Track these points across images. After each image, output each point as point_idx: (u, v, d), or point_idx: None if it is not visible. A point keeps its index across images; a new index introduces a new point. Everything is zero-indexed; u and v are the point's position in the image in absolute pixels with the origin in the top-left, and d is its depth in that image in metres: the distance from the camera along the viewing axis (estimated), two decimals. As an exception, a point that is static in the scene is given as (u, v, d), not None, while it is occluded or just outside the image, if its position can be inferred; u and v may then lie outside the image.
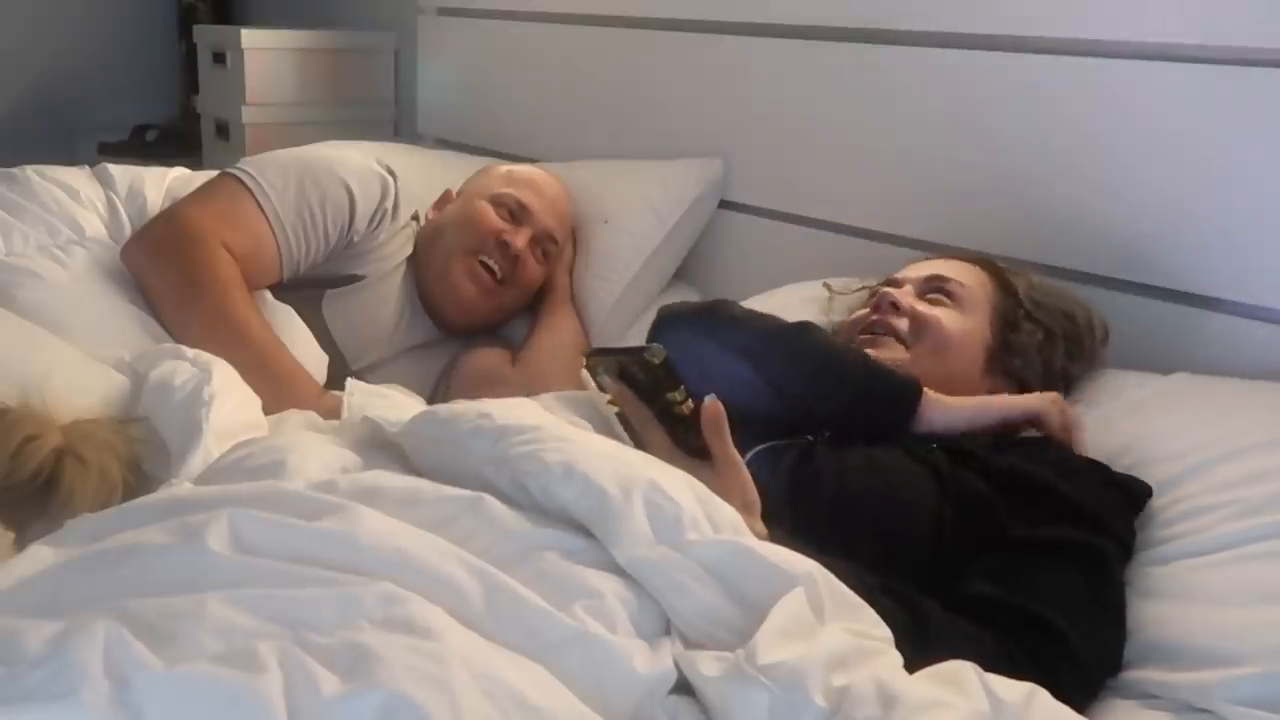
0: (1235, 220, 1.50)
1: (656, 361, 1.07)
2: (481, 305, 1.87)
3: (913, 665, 0.92)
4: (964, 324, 1.44)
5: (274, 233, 1.71)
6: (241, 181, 1.73)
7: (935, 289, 1.47)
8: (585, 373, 1.17)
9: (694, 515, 0.94)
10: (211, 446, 1.31)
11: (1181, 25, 1.52)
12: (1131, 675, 1.13)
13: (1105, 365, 1.54)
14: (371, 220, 1.81)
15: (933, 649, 0.96)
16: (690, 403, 1.08)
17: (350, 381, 1.54)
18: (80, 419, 1.27)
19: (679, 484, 0.97)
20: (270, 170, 1.76)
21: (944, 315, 1.44)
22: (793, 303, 1.69)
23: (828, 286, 1.69)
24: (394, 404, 1.46)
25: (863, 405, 1.29)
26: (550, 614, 0.84)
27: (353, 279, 1.83)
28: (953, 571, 1.15)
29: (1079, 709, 0.95)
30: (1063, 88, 1.64)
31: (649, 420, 1.11)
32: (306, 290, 1.79)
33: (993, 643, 1.05)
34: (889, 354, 1.39)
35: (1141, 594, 1.18)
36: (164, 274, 1.66)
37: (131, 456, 1.27)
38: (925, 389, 1.30)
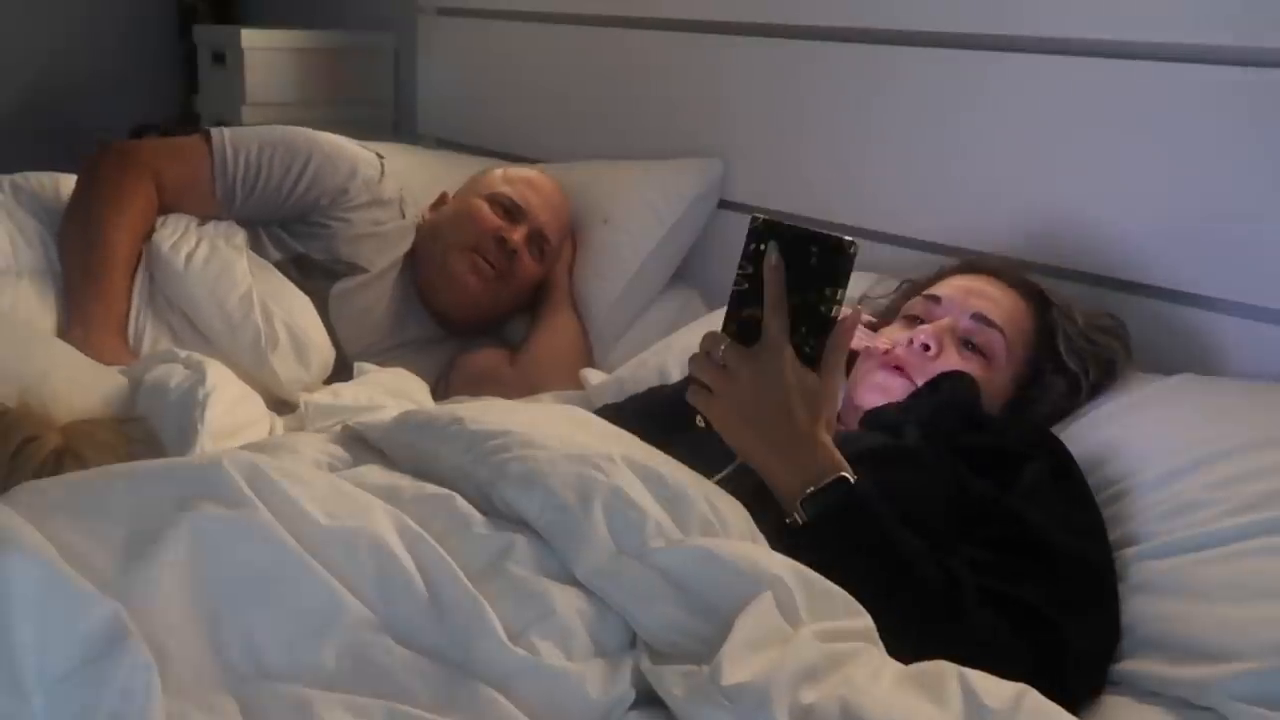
0: (1236, 221, 1.50)
1: (851, 252, 1.04)
2: (484, 297, 1.90)
3: (928, 641, 0.92)
4: (987, 382, 1.37)
5: (212, 157, 1.82)
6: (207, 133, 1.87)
7: (972, 332, 1.39)
8: (749, 234, 1.08)
9: (659, 521, 0.93)
10: (208, 447, 1.32)
11: (1181, 25, 1.52)
12: (1129, 669, 1.13)
13: None
14: (342, 189, 1.88)
15: (961, 623, 0.99)
16: (840, 309, 1.06)
17: (303, 398, 1.56)
18: (80, 419, 1.27)
19: (644, 488, 0.96)
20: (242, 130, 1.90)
21: (971, 372, 1.36)
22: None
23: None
24: (353, 411, 1.47)
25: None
26: (503, 646, 0.84)
27: (355, 269, 1.86)
28: None
29: (1078, 704, 0.95)
30: (1063, 87, 1.64)
31: (782, 306, 1.07)
32: (317, 281, 1.83)
33: (1009, 637, 1.03)
34: (896, 384, 1.34)
35: (1139, 589, 1.18)
36: (79, 185, 1.79)
37: (131, 456, 1.27)
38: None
